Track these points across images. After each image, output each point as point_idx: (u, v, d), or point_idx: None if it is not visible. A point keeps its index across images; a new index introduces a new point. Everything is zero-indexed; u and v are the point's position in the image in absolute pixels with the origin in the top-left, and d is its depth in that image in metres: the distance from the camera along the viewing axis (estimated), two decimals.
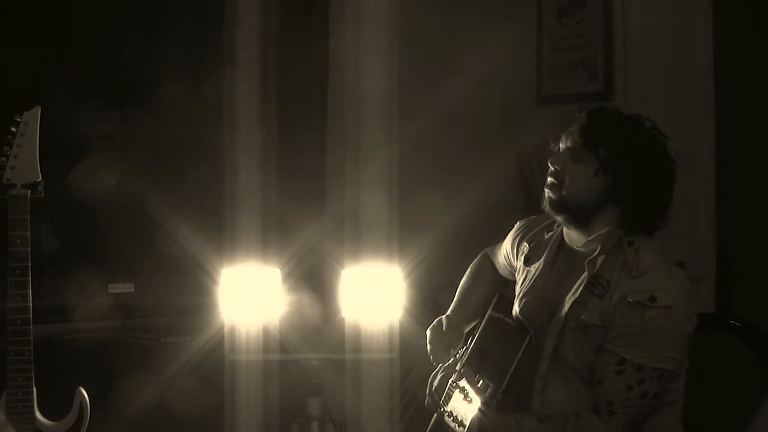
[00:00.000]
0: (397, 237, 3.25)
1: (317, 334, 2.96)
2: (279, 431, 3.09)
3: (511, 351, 2.25)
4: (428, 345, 2.49)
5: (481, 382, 2.17)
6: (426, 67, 3.68)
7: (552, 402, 2.20)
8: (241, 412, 3.05)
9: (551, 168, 2.24)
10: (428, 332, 2.50)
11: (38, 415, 2.45)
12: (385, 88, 3.44)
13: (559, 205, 2.23)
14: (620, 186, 2.18)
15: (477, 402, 2.13)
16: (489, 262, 2.64)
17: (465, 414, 2.16)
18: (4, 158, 2.42)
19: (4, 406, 2.41)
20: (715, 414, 2.44)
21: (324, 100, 3.60)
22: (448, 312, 2.57)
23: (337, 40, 3.56)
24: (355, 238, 3.32)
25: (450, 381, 2.34)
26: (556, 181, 2.22)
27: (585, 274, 2.20)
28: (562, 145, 2.25)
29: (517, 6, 3.92)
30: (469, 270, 2.66)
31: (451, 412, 2.26)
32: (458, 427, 2.19)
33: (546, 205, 2.26)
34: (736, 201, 3.57)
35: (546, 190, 2.25)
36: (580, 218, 2.23)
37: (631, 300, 2.10)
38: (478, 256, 2.67)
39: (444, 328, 2.49)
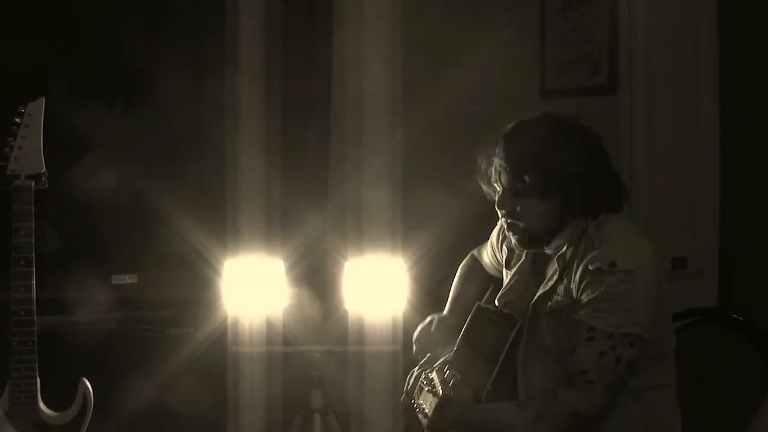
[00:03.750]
0: (401, 229, 3.24)
1: (320, 327, 2.96)
2: (282, 423, 3.09)
3: (501, 340, 2.26)
4: (414, 344, 2.50)
5: (447, 373, 2.18)
6: (429, 61, 3.68)
7: (535, 393, 2.19)
8: (243, 404, 3.05)
9: (500, 213, 2.25)
10: (416, 331, 2.51)
11: (42, 405, 2.46)
12: (388, 83, 3.44)
13: (527, 243, 2.24)
14: (569, 198, 2.18)
15: (441, 394, 2.13)
16: (477, 263, 2.65)
17: (430, 405, 2.17)
18: (8, 149, 2.43)
19: (8, 396, 2.42)
20: (717, 410, 2.44)
21: (327, 93, 3.61)
22: (443, 313, 2.58)
23: (341, 33, 3.56)
24: (358, 230, 3.32)
25: (422, 375, 2.35)
26: (512, 221, 2.23)
27: (556, 269, 2.22)
28: (497, 186, 2.25)
29: (520, 0, 3.92)
30: (459, 270, 2.67)
31: (420, 405, 2.26)
32: (424, 419, 2.20)
33: (516, 246, 2.28)
34: (739, 195, 3.57)
35: (510, 234, 2.26)
36: (551, 240, 2.24)
37: (591, 268, 2.09)
38: (467, 258, 2.68)
39: (433, 328, 2.50)
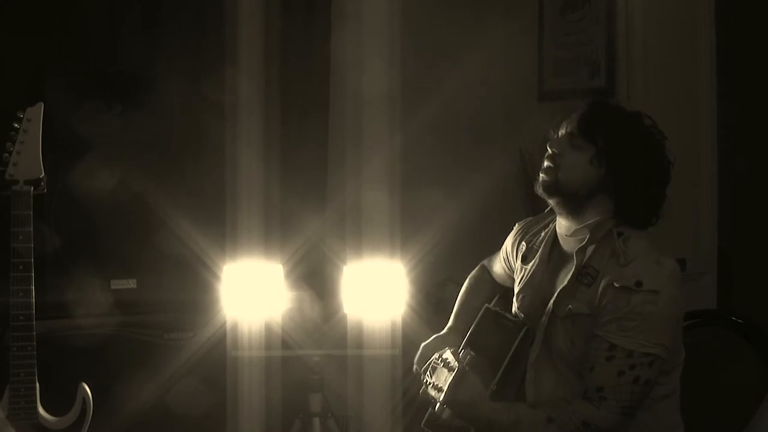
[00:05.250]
0: (399, 233, 3.25)
1: (319, 331, 2.96)
2: (281, 428, 3.09)
3: (507, 343, 2.26)
4: (417, 358, 2.50)
5: (462, 351, 2.18)
6: (428, 63, 3.68)
7: (543, 391, 2.21)
8: (243, 409, 3.05)
9: (549, 151, 2.25)
10: (421, 348, 2.51)
11: (41, 410, 2.46)
12: (387, 85, 3.44)
13: (552, 188, 2.24)
14: (613, 177, 2.19)
15: (456, 368, 2.13)
16: (487, 273, 2.65)
17: (444, 381, 2.17)
18: (6, 154, 2.42)
19: (7, 401, 2.42)
20: (717, 411, 2.44)
21: (326, 96, 3.60)
22: (447, 328, 2.57)
23: (339, 36, 3.56)
24: (357, 234, 3.32)
25: (435, 356, 2.35)
26: (552, 165, 2.23)
27: (574, 263, 2.21)
28: (562, 131, 2.27)
29: (519, 2, 3.92)
30: (467, 281, 2.67)
31: (434, 382, 2.26)
32: (437, 393, 2.19)
33: (539, 188, 2.27)
34: (737, 196, 3.57)
35: (541, 174, 2.26)
36: (572, 204, 2.23)
37: (617, 285, 2.10)
38: (476, 268, 2.68)
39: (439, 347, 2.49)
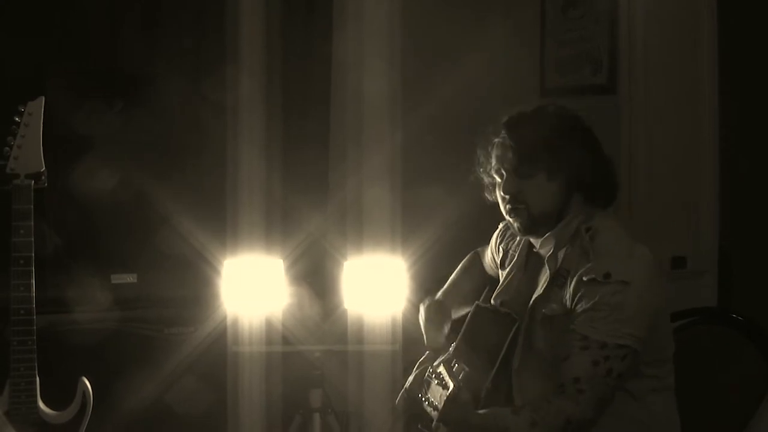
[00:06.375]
0: (400, 229, 3.25)
1: (320, 326, 2.96)
2: (281, 423, 3.09)
3: (500, 339, 2.26)
4: (422, 323, 2.50)
5: (456, 366, 2.18)
6: (429, 60, 3.68)
7: (531, 398, 2.18)
8: (243, 404, 3.05)
9: (505, 196, 2.24)
10: (422, 310, 2.51)
11: (41, 404, 2.46)
12: (388, 84, 3.44)
13: (532, 228, 2.24)
14: (575, 178, 2.20)
15: (451, 386, 2.14)
16: (479, 260, 2.66)
17: (440, 398, 2.17)
18: (8, 148, 2.42)
19: (8, 396, 2.42)
20: (717, 410, 2.44)
21: (327, 96, 3.60)
22: (438, 295, 2.58)
23: (340, 35, 3.56)
24: (358, 229, 3.32)
25: (429, 370, 2.35)
26: (517, 205, 2.22)
27: (548, 272, 2.22)
28: (500, 173, 2.25)
29: (520, 0, 3.92)
30: (462, 263, 2.69)
31: (429, 398, 2.27)
32: (433, 411, 2.20)
33: (519, 233, 2.27)
34: (738, 196, 3.57)
35: (512, 220, 2.25)
36: (551, 224, 2.24)
37: (585, 279, 2.10)
38: (470, 254, 2.69)
39: (437, 307, 2.51)
